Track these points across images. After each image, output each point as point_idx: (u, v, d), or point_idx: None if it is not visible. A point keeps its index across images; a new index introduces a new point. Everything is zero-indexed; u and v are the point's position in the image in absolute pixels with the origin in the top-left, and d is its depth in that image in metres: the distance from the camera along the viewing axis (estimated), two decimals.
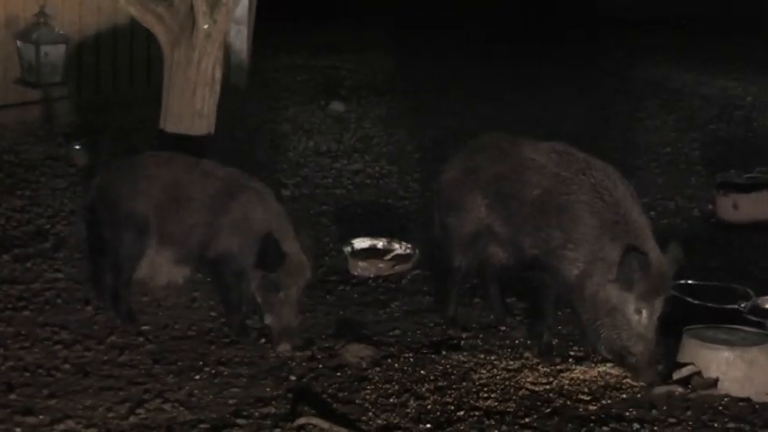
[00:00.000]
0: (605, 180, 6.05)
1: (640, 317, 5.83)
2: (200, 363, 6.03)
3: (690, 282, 6.69)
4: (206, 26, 7.42)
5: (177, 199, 6.35)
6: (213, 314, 6.63)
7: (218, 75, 7.66)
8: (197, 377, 5.88)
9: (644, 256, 5.75)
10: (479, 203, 6.35)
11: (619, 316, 5.84)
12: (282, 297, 6.08)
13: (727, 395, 5.77)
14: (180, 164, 6.52)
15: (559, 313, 6.41)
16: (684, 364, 5.90)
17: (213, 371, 5.95)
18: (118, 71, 10.89)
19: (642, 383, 5.87)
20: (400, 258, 7.51)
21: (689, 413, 5.63)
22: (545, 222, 6.05)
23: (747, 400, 5.75)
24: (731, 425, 5.53)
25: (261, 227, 6.16)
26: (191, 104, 7.58)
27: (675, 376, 5.88)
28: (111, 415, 5.44)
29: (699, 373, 5.85)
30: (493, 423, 5.48)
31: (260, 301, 6.17)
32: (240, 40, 11.80)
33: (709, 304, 6.58)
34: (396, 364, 6.07)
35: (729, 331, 6.05)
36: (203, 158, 6.69)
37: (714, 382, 5.81)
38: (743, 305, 6.50)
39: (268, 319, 6.15)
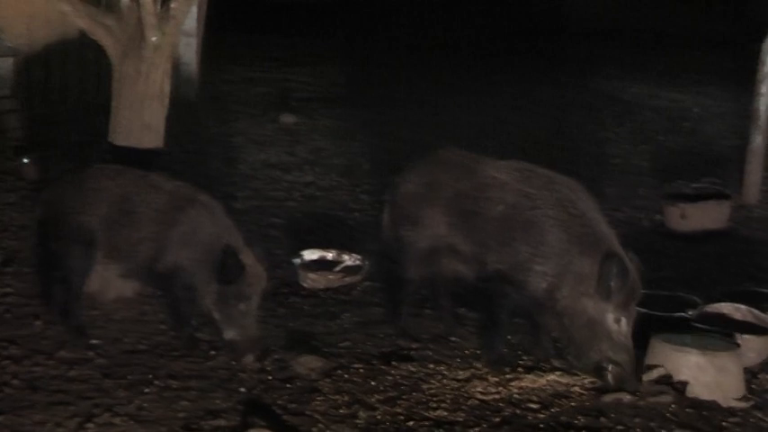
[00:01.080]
0: (569, 194, 6.11)
1: (620, 326, 5.87)
2: (151, 376, 6.00)
3: None
4: (155, 38, 7.41)
5: (125, 212, 6.32)
6: (163, 327, 6.60)
7: (168, 87, 7.66)
8: (147, 391, 5.84)
9: (621, 263, 5.79)
10: (439, 221, 6.36)
11: (597, 327, 5.87)
12: (243, 308, 6.07)
13: (675, 402, 5.82)
14: (128, 177, 6.49)
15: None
16: (654, 367, 5.95)
17: (163, 384, 5.92)
18: (67, 84, 10.84)
19: (623, 390, 5.89)
20: (350, 270, 7.51)
21: (637, 420, 5.67)
22: (511, 237, 6.08)
23: (695, 406, 5.80)
24: (679, 431, 5.57)
25: (210, 240, 6.14)
26: (140, 117, 7.58)
27: (645, 378, 5.93)
28: (60, 430, 5.38)
29: (669, 377, 5.90)
30: None
31: (218, 316, 6.12)
32: (190, 52, 11.79)
33: (657, 313, 6.63)
34: (346, 376, 6.08)
35: (697, 338, 6.11)
36: (152, 172, 6.66)
37: (664, 389, 5.89)
38: (690, 313, 6.55)
39: (230, 333, 6.10)
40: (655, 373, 5.96)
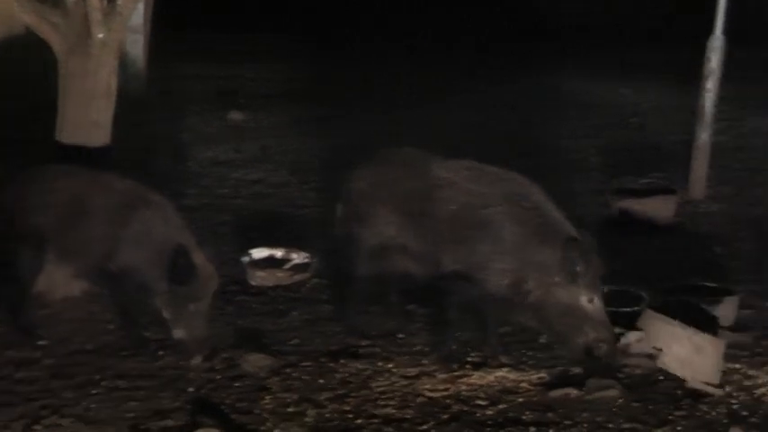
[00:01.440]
0: (519, 188, 6.16)
1: (594, 304, 5.93)
2: (98, 377, 5.98)
3: None
4: (101, 35, 7.37)
5: (76, 213, 6.27)
6: (111, 327, 6.57)
7: (115, 84, 7.62)
8: (95, 391, 5.82)
9: (581, 245, 5.87)
10: (391, 220, 6.37)
11: (574, 311, 5.93)
12: (193, 309, 6.03)
13: (621, 396, 5.87)
14: (79, 177, 6.44)
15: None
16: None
17: (111, 385, 5.90)
18: (13, 82, 10.74)
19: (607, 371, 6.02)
20: (299, 267, 7.51)
21: (585, 414, 5.71)
22: (466, 237, 6.11)
23: (641, 400, 5.85)
24: (626, 425, 5.63)
25: (162, 239, 6.11)
26: (87, 115, 7.53)
27: (622, 341, 6.03)
28: None
29: (642, 341, 6.04)
30: (391, 430, 5.51)
31: (168, 316, 6.09)
32: (137, 49, 11.73)
33: (606, 308, 6.67)
34: (295, 374, 6.08)
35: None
36: (103, 171, 6.62)
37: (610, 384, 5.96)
38: (638, 308, 6.60)
39: (179, 333, 6.07)
40: (632, 337, 6.04)
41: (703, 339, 6.05)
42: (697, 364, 6.02)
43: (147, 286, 6.12)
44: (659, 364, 5.95)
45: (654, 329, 6.18)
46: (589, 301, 5.92)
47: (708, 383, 5.98)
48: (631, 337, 6.11)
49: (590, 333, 5.94)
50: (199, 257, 6.07)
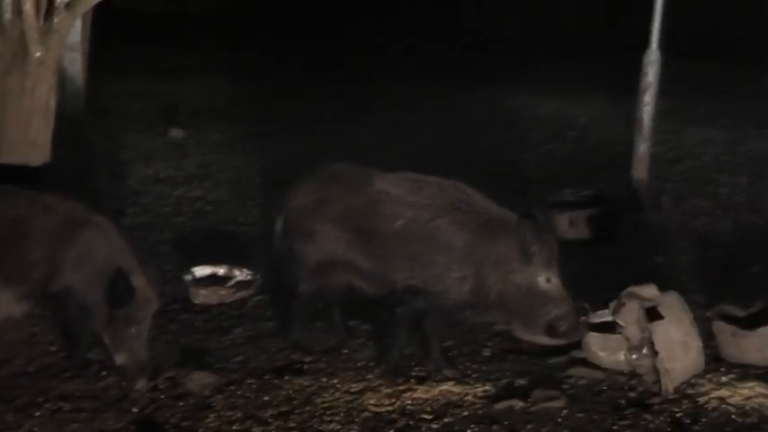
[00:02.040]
0: (459, 194, 6.21)
1: (552, 283, 5.99)
2: (41, 399, 5.93)
3: None
4: (38, 54, 7.32)
5: (17, 234, 6.20)
6: (53, 348, 6.52)
7: (53, 103, 7.56)
8: (38, 414, 5.77)
9: (532, 224, 5.92)
10: (333, 236, 6.36)
11: (534, 294, 5.99)
12: (134, 332, 5.96)
13: (566, 407, 5.90)
14: (20, 198, 6.36)
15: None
16: None
17: (54, 407, 5.86)
18: None
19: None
20: (242, 284, 7.49)
21: (530, 426, 5.74)
22: (418, 251, 6.12)
23: (586, 411, 5.89)
24: None
25: (104, 262, 6.03)
26: (25, 134, 7.47)
27: (591, 320, 6.37)
28: None
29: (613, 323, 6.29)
30: None
31: (109, 339, 6.01)
32: (75, 66, 11.63)
33: None
34: (239, 391, 6.06)
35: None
36: (43, 191, 6.53)
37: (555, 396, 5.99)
38: (582, 320, 6.63)
39: (121, 358, 5.98)
40: (598, 317, 6.24)
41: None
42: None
43: (89, 309, 6.05)
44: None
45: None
46: (547, 281, 5.98)
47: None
48: (598, 317, 6.29)
49: (551, 312, 6.00)
50: (139, 280, 6.00)
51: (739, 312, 6.66)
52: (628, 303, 6.36)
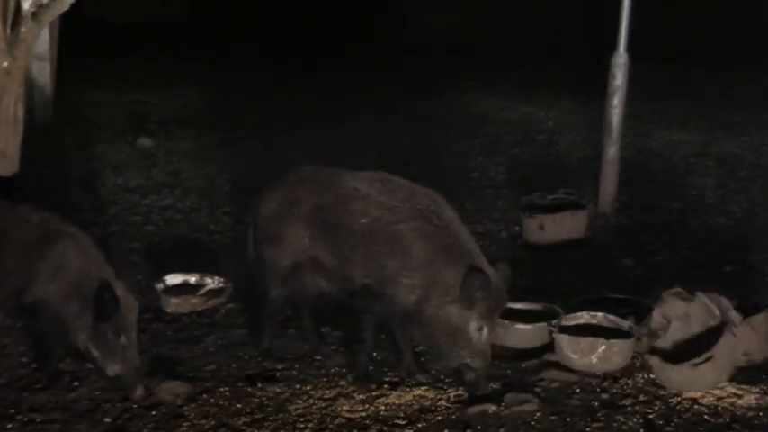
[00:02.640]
0: (432, 205, 6.15)
1: (480, 334, 5.95)
2: (12, 411, 5.89)
3: None
4: (5, 63, 7.28)
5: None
6: (24, 360, 6.48)
7: (21, 113, 7.51)
8: (9, 426, 5.74)
9: (484, 275, 5.87)
10: (301, 236, 6.33)
11: (460, 335, 5.94)
12: (124, 341, 5.90)
13: (539, 410, 5.92)
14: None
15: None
16: None
17: (26, 418, 5.82)
18: None
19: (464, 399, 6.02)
20: (213, 293, 7.47)
21: (503, 430, 5.75)
22: (377, 251, 6.09)
23: (559, 413, 5.91)
24: None
25: (79, 273, 5.97)
26: None
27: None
28: None
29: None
30: None
31: (98, 354, 5.93)
32: (43, 76, 11.60)
33: (519, 325, 6.74)
34: (212, 399, 6.04)
35: None
36: (16, 202, 6.47)
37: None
38: (553, 323, 6.66)
39: (114, 369, 5.92)
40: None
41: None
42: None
43: (64, 321, 5.98)
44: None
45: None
46: (477, 329, 5.95)
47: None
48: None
49: (464, 358, 5.98)
50: (119, 288, 5.96)
51: None
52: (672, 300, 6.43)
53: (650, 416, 5.93)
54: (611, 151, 9.43)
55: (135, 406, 5.91)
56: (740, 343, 6.31)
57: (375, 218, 6.14)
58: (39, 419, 5.80)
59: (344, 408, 5.97)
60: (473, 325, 5.93)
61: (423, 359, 6.45)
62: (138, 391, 5.93)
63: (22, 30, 7.40)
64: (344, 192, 6.28)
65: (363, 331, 6.28)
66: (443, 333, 5.97)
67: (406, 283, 6.02)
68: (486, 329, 5.96)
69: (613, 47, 9.26)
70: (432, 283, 5.98)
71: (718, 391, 6.15)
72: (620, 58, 9.23)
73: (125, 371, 5.92)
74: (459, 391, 6.11)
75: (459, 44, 17.29)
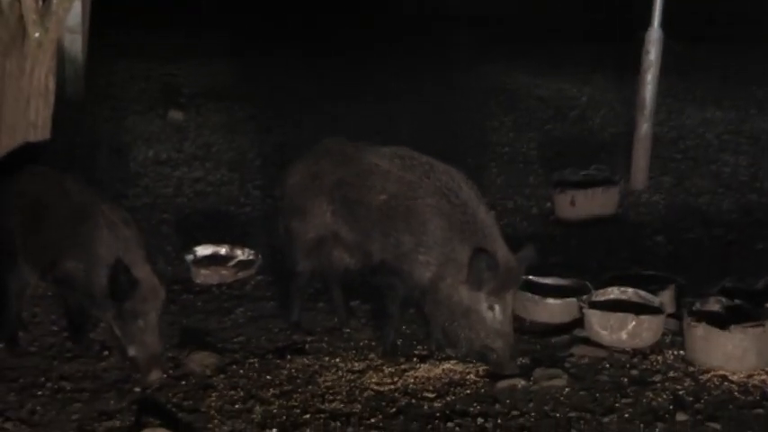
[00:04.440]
0: (450, 182, 6.11)
1: (494, 313, 5.93)
2: (43, 379, 5.92)
3: (530, 278, 6.80)
4: (37, 35, 7.29)
5: (36, 216, 6.14)
6: (55, 329, 6.52)
7: (52, 84, 7.52)
8: (39, 394, 5.77)
9: (490, 256, 5.84)
10: (324, 209, 6.34)
11: (473, 315, 5.93)
12: (142, 325, 5.83)
13: (568, 386, 5.90)
14: (44, 179, 6.31)
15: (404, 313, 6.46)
16: None
17: (56, 386, 5.85)
18: None
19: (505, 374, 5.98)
20: (243, 265, 7.48)
21: (531, 405, 5.74)
22: (394, 227, 6.08)
23: (588, 389, 5.89)
24: (573, 414, 5.65)
25: (107, 252, 5.90)
26: (24, 116, 7.44)
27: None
28: None
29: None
30: (339, 425, 5.50)
31: (119, 332, 5.89)
32: (75, 48, 11.62)
33: (549, 300, 6.72)
34: (241, 371, 6.05)
35: None
36: (66, 175, 6.44)
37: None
38: (583, 298, 6.64)
39: (132, 351, 5.85)
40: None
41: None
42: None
43: (93, 297, 5.95)
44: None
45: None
46: (489, 309, 5.93)
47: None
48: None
49: (483, 340, 5.97)
50: (143, 271, 5.86)
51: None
52: None
53: (680, 392, 5.90)
54: (644, 128, 9.37)
55: (164, 376, 5.92)
56: None
57: (393, 194, 6.12)
58: (68, 388, 5.83)
59: (373, 380, 5.97)
60: (484, 305, 5.92)
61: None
62: (153, 376, 5.86)
63: (54, 2, 7.40)
64: (365, 167, 6.28)
65: (389, 306, 6.28)
66: (458, 314, 5.97)
67: (421, 260, 6.01)
68: (498, 308, 5.94)
69: (648, 23, 9.19)
70: (446, 261, 5.96)
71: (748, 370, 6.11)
72: (655, 33, 9.16)
73: (141, 354, 5.85)
74: (488, 366, 6.09)
75: (493, 19, 17.22)
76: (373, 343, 6.42)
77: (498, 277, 5.86)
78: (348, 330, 6.62)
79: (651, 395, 5.85)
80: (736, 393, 5.89)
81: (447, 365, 6.12)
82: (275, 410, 5.63)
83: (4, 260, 6.24)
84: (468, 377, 6.01)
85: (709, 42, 15.52)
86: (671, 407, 5.73)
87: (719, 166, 10.14)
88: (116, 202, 6.30)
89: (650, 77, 9.26)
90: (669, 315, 6.59)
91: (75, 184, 6.24)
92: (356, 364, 6.16)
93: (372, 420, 5.56)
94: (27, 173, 6.45)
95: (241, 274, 7.36)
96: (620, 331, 6.36)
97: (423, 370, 6.08)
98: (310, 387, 5.89)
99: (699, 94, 12.85)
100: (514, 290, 6.07)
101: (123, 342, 5.89)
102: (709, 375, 6.05)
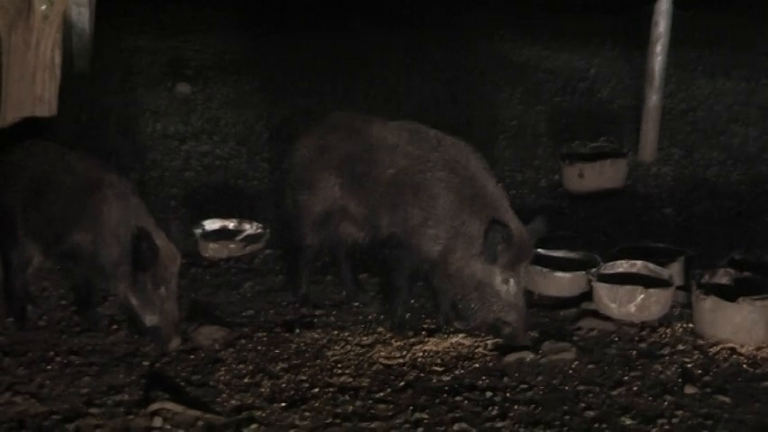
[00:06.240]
0: (458, 155, 6.10)
1: (508, 286, 5.92)
2: (51, 353, 5.93)
3: (539, 251, 6.78)
4: (43, 8, 7.26)
5: (41, 190, 6.14)
6: (64, 303, 6.52)
7: (59, 58, 7.50)
8: (48, 368, 5.78)
9: (506, 228, 5.83)
10: (332, 183, 6.33)
11: (487, 289, 5.93)
12: (164, 292, 5.82)
13: (576, 359, 5.90)
14: (48, 153, 6.29)
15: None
16: None
17: (65, 360, 5.86)
18: None
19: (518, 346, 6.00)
20: (251, 239, 7.48)
21: (540, 378, 5.74)
22: (402, 201, 6.07)
23: (596, 362, 5.89)
24: (581, 387, 5.65)
25: (118, 223, 5.88)
26: (31, 90, 7.41)
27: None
28: None
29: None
30: (347, 399, 5.51)
31: (136, 303, 5.85)
32: (82, 22, 11.58)
33: (558, 273, 6.71)
34: (249, 345, 6.06)
35: None
36: (69, 148, 6.43)
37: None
38: (592, 271, 6.62)
39: (153, 320, 5.83)
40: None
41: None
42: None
43: (105, 269, 5.94)
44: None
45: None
46: (503, 282, 5.93)
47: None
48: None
49: (497, 313, 5.96)
50: (160, 238, 5.85)
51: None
52: None
53: (688, 365, 5.90)
54: (654, 99, 9.34)
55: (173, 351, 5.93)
56: None
57: (401, 167, 6.11)
58: (77, 362, 5.84)
59: (382, 354, 5.98)
60: (498, 279, 5.91)
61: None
62: (174, 344, 5.88)
63: None
64: (373, 141, 6.26)
65: (397, 280, 6.27)
66: (470, 288, 5.96)
67: (430, 234, 6.00)
68: (512, 281, 5.94)
69: None
70: (456, 235, 5.95)
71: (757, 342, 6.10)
72: (664, 4, 9.11)
73: (163, 322, 5.85)
74: (497, 339, 6.09)
75: None
76: (381, 317, 6.42)
77: (512, 250, 5.85)
78: (356, 304, 6.62)
79: (659, 368, 5.85)
80: (744, 366, 5.89)
81: (455, 339, 6.13)
82: (284, 384, 5.64)
83: (5, 236, 6.24)
84: (476, 351, 6.01)
85: (718, 12, 15.45)
86: (679, 380, 5.74)
87: (729, 138, 10.10)
88: (121, 173, 6.26)
89: (659, 49, 9.21)
90: (678, 288, 6.58)
91: (79, 156, 6.23)
92: (364, 338, 6.16)
93: (381, 394, 5.56)
94: (27, 147, 6.42)
95: (249, 248, 7.36)
96: (629, 304, 6.35)
97: (431, 344, 6.09)
98: (319, 361, 5.89)
99: (708, 66, 12.79)
100: (527, 262, 6.06)
101: (140, 312, 5.86)
102: (717, 348, 6.05)
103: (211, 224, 7.60)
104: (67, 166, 6.13)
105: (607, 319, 6.37)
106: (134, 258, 5.76)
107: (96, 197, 5.95)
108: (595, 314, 6.43)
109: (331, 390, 5.59)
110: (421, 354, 5.98)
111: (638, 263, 6.74)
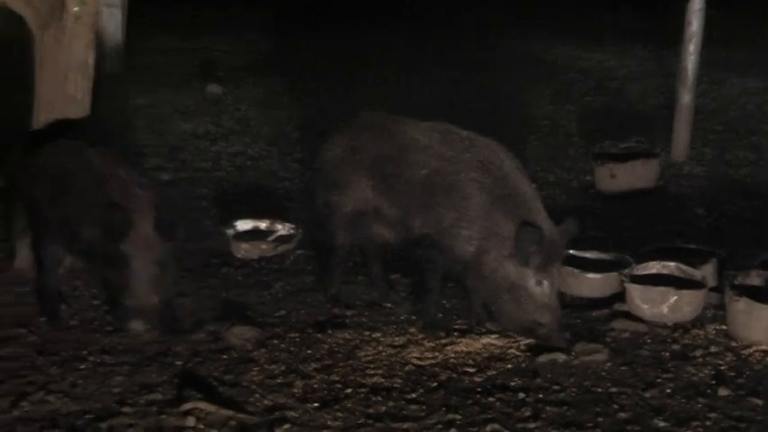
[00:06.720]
0: (491, 156, 6.08)
1: (542, 288, 5.91)
2: (84, 352, 5.95)
3: (571, 252, 6.76)
4: (76, 8, 7.28)
5: (61, 190, 6.17)
6: (96, 302, 6.54)
7: (91, 58, 7.52)
8: (81, 367, 5.79)
9: (537, 229, 5.81)
10: (364, 184, 6.33)
11: (521, 291, 5.91)
12: (132, 272, 5.80)
13: (609, 360, 5.88)
14: (70, 152, 6.32)
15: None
16: None
17: (97, 360, 5.87)
18: None
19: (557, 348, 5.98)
20: (283, 239, 7.49)
21: (572, 380, 5.72)
22: (435, 202, 6.06)
23: (629, 363, 5.87)
24: (614, 389, 5.63)
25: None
26: (63, 90, 7.43)
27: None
28: None
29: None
30: (379, 399, 5.50)
31: (110, 276, 5.92)
32: (114, 22, 11.61)
33: (590, 274, 6.69)
34: (281, 345, 6.06)
35: None
36: (91, 145, 6.45)
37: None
38: (624, 272, 6.60)
39: (122, 296, 5.85)
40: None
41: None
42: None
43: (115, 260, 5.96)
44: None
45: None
46: (537, 284, 5.90)
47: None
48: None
49: (532, 315, 5.94)
50: (143, 224, 5.83)
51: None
52: None
53: (721, 367, 5.87)
54: (686, 99, 9.30)
55: (205, 350, 5.94)
56: None
57: (434, 169, 6.10)
58: (109, 361, 5.85)
59: (414, 355, 5.97)
60: (532, 281, 5.89)
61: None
62: (134, 325, 5.88)
63: None
64: (405, 142, 6.25)
65: (429, 280, 6.27)
66: (504, 289, 5.94)
67: (463, 235, 5.99)
68: (546, 283, 5.91)
69: None
70: (489, 236, 5.93)
71: None
72: (697, 3, 9.08)
73: (131, 301, 5.84)
74: (529, 340, 6.07)
75: None
76: (413, 317, 6.42)
77: (544, 251, 5.84)
78: (388, 304, 6.62)
79: (692, 370, 5.82)
80: None
81: (487, 340, 6.12)
82: (316, 384, 5.64)
83: (37, 234, 6.28)
84: (509, 351, 6.00)
85: (751, 11, 15.36)
86: (712, 382, 5.70)
87: (761, 138, 10.05)
88: (131, 167, 6.24)
89: (692, 48, 9.18)
90: (711, 289, 6.55)
91: (98, 154, 6.25)
92: (396, 339, 6.16)
93: (413, 395, 5.55)
94: (53, 145, 6.46)
95: (281, 249, 7.37)
96: (662, 305, 6.33)
97: (463, 344, 6.08)
98: (351, 361, 5.89)
99: (739, 65, 12.73)
100: (559, 263, 6.04)
101: (115, 288, 5.90)
102: (750, 350, 6.02)
103: (243, 224, 7.61)
104: (84, 164, 6.16)
105: (639, 320, 6.35)
106: (102, 227, 5.81)
107: (103, 194, 5.97)
108: (628, 315, 6.41)
109: (363, 390, 5.58)
110: (453, 354, 5.97)
111: (671, 264, 6.71)
